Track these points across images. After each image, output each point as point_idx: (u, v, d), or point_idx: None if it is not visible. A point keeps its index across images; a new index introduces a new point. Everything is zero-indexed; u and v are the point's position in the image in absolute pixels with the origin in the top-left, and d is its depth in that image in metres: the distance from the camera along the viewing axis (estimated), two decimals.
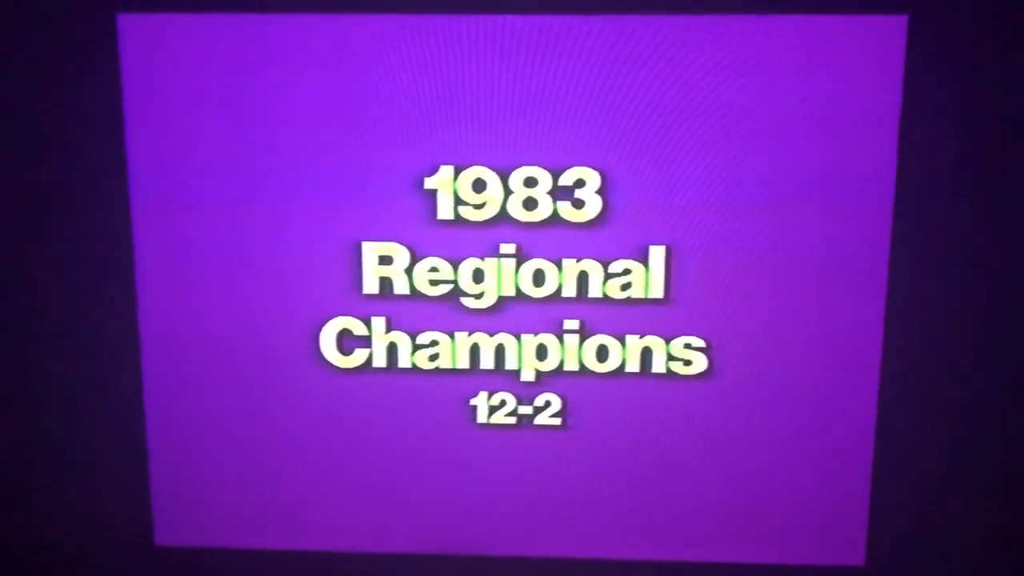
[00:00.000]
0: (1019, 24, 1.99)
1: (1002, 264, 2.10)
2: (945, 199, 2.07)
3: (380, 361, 2.18)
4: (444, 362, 2.17)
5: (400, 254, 2.11)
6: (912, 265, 2.09)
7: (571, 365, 2.16)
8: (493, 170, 2.06)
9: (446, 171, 2.07)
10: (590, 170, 2.05)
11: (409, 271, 2.12)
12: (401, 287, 2.13)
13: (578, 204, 2.07)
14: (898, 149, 2.03)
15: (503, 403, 2.19)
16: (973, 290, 2.11)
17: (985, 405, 2.17)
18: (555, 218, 2.08)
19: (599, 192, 2.06)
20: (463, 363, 2.17)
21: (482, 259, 2.11)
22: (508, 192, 2.07)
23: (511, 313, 2.14)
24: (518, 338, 2.15)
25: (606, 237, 2.09)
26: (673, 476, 2.23)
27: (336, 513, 2.30)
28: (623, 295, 2.11)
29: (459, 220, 2.09)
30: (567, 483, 2.24)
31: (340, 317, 2.16)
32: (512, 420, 2.20)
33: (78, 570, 2.39)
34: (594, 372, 2.16)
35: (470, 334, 2.16)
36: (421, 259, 2.12)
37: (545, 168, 2.06)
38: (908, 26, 1.98)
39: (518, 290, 2.12)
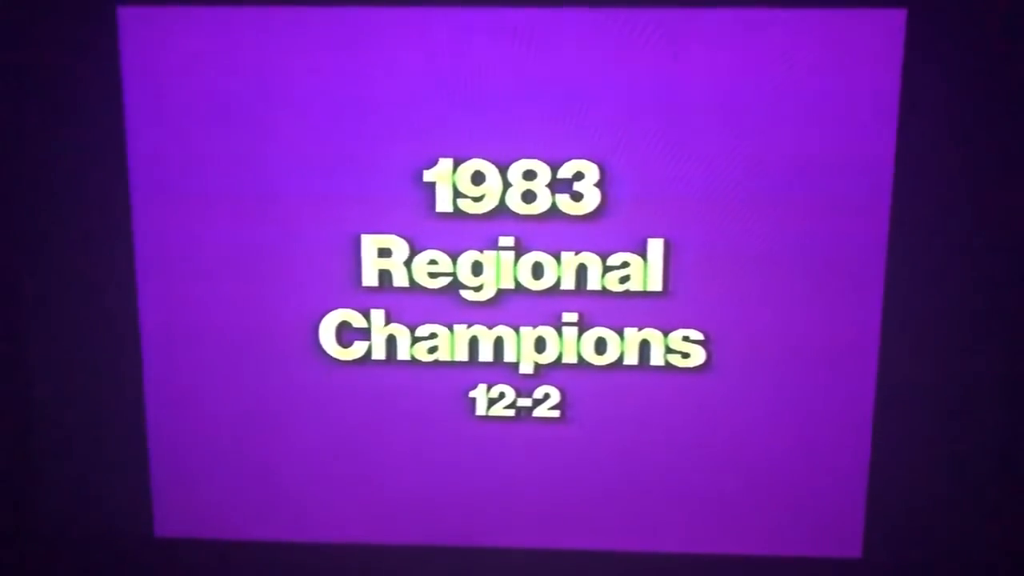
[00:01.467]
0: (1017, 18, 1.99)
1: (1000, 259, 2.10)
2: (943, 194, 2.07)
3: (379, 354, 2.18)
4: (443, 355, 2.18)
5: (399, 247, 2.12)
6: (910, 260, 2.10)
7: (570, 358, 2.16)
8: (492, 163, 2.06)
9: (445, 164, 2.07)
10: (589, 163, 2.05)
11: (408, 264, 2.13)
12: (400, 280, 2.13)
13: (577, 197, 2.07)
14: (896, 144, 2.04)
15: (502, 395, 2.20)
16: (971, 285, 2.12)
17: (982, 398, 2.18)
18: (554, 211, 2.08)
19: (598, 185, 2.06)
20: (462, 355, 2.18)
21: (481, 252, 2.11)
22: (507, 185, 2.07)
23: (510, 306, 2.15)
24: (517, 331, 2.16)
25: (605, 230, 2.09)
26: (671, 468, 2.24)
27: (335, 505, 2.31)
28: (621, 288, 2.11)
29: (458, 213, 2.09)
30: (565, 475, 2.25)
31: (339, 310, 2.16)
32: (511, 412, 2.21)
33: (78, 561, 2.40)
34: (592, 365, 2.17)
35: (469, 327, 2.16)
36: (420, 252, 2.12)
37: (544, 161, 2.06)
38: (907, 20, 1.99)
39: (517, 283, 2.13)
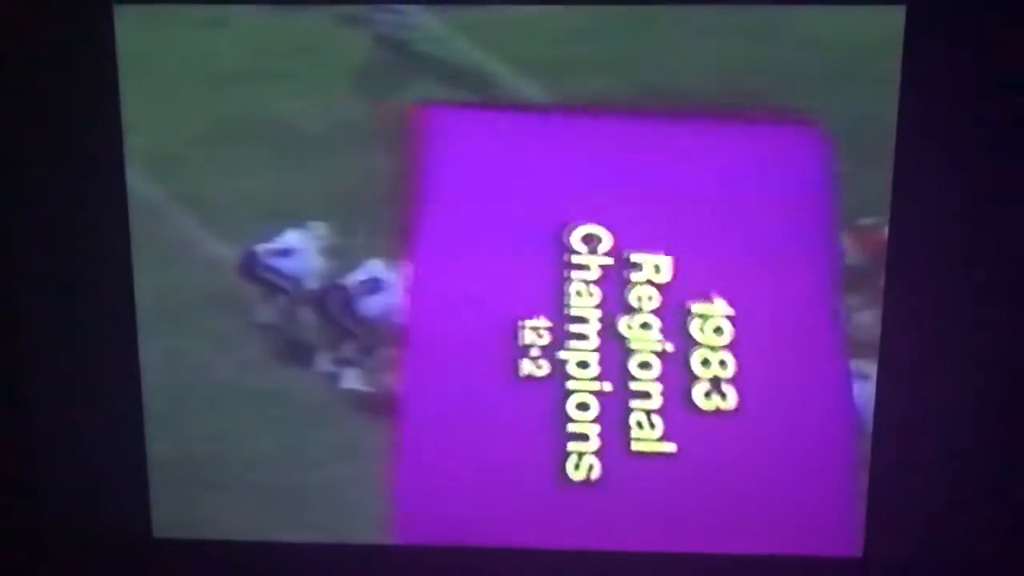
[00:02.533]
0: (1017, 13, 1.98)
1: (1001, 258, 2.12)
2: (943, 191, 2.08)
3: None
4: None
5: None
6: (910, 260, 2.12)
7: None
8: None
9: None
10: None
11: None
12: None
13: None
14: (896, 141, 2.05)
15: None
16: (971, 281, 2.13)
17: (983, 394, 2.18)
18: None
19: None
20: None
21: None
22: None
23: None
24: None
25: None
26: (669, 466, 2.26)
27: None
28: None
29: None
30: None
31: None
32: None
33: (77, 561, 2.37)
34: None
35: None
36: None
37: None
38: (906, 17, 2.00)
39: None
